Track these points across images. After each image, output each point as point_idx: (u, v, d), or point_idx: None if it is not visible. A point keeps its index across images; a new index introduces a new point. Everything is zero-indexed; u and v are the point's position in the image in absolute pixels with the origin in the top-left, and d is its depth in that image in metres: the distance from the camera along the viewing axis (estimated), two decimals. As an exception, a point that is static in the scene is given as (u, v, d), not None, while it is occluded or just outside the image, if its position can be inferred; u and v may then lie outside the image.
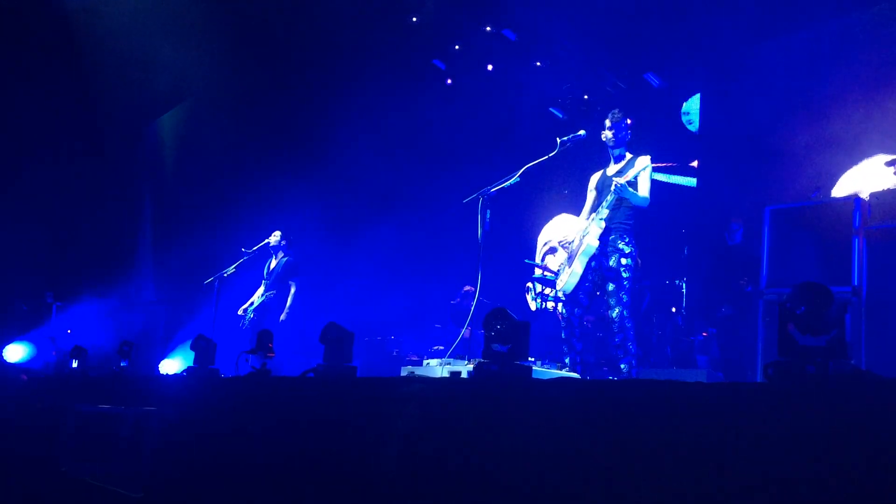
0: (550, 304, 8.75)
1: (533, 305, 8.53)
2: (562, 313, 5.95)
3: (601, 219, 5.67)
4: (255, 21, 11.00)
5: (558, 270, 6.05)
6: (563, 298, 5.93)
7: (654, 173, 5.95)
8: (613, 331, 5.58)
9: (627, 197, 5.60)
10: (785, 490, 1.94)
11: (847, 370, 2.19)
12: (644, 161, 5.72)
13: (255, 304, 9.01)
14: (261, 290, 9.17)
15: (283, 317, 8.87)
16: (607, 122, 5.95)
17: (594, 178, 6.12)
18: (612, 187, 5.57)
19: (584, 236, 5.73)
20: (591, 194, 6.10)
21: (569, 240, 6.00)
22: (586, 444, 2.43)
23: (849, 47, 8.20)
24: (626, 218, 5.71)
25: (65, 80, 11.87)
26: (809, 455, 1.92)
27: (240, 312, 9.11)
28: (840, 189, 7.80)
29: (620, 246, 5.62)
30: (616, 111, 5.96)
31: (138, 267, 13.69)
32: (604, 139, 5.99)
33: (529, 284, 9.13)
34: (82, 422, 4.60)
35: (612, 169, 5.93)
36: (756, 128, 8.58)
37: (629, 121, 5.95)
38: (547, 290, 8.83)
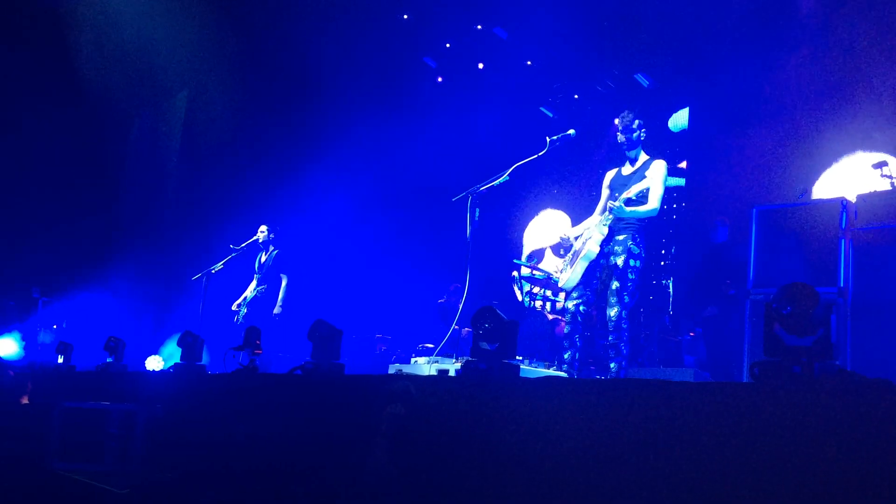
0: (538, 304, 8.75)
1: (519, 296, 8.51)
2: (570, 308, 5.85)
3: (605, 224, 5.60)
4: (245, 17, 10.98)
5: (562, 269, 5.97)
6: (572, 295, 5.86)
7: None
8: (608, 329, 5.53)
9: (626, 217, 5.53)
10: (770, 488, 1.96)
11: (832, 371, 2.20)
12: (658, 168, 5.63)
13: (248, 299, 9.00)
14: (253, 284, 9.16)
15: (277, 310, 8.83)
16: (617, 123, 5.88)
17: (608, 176, 6.03)
18: (607, 211, 5.52)
19: (587, 240, 5.67)
20: (604, 192, 5.99)
21: (571, 240, 5.92)
22: (573, 442, 2.44)
23: (833, 50, 8.26)
24: (638, 219, 5.64)
25: (52, 73, 11.79)
26: (794, 454, 1.93)
27: (234, 308, 9.10)
28: (822, 188, 7.85)
29: (630, 246, 5.55)
30: (626, 113, 5.83)
31: (126, 262, 13.62)
32: (619, 141, 5.95)
33: (515, 273, 9.12)
34: (69, 418, 4.58)
35: (627, 170, 5.86)
36: (743, 128, 8.63)
37: (639, 122, 5.86)
38: (535, 290, 8.84)
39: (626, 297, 5.52)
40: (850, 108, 7.81)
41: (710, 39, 9.01)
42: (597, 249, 5.58)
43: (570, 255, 5.90)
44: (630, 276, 5.54)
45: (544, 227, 11.64)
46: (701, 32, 9.00)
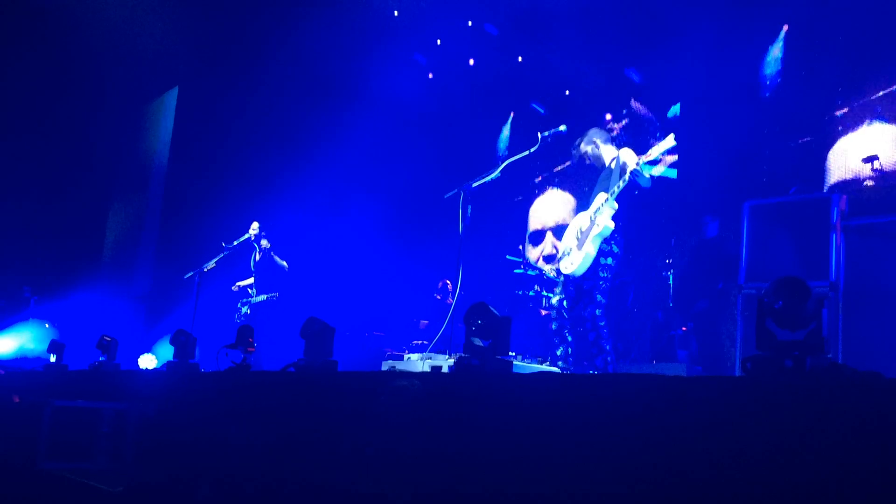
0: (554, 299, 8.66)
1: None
2: (554, 304, 5.81)
3: (615, 198, 5.42)
4: (235, 14, 10.95)
5: (562, 255, 5.79)
6: (556, 290, 5.81)
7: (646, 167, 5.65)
8: (587, 328, 5.53)
9: (644, 185, 5.37)
10: (763, 481, 1.96)
11: (824, 364, 2.21)
12: (626, 153, 5.54)
13: (253, 301, 9.12)
14: (250, 280, 9.31)
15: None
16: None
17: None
18: (628, 174, 5.31)
19: (596, 215, 5.50)
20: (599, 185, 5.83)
21: (573, 223, 5.76)
22: (566, 437, 2.44)
23: (820, 44, 8.27)
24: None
25: (41, 72, 11.73)
26: (787, 447, 1.94)
27: (235, 288, 9.27)
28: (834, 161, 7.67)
29: (600, 244, 5.52)
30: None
31: (118, 261, 13.58)
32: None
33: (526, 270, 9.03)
34: (60, 417, 4.56)
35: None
36: (734, 123, 8.63)
37: (593, 132, 5.79)
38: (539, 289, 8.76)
39: (598, 295, 5.45)
40: (842, 104, 7.82)
41: (701, 34, 9.01)
42: (612, 224, 5.39)
43: (574, 235, 5.71)
44: (601, 274, 5.45)
45: (549, 206, 11.48)
46: (690, 26, 9.00)
